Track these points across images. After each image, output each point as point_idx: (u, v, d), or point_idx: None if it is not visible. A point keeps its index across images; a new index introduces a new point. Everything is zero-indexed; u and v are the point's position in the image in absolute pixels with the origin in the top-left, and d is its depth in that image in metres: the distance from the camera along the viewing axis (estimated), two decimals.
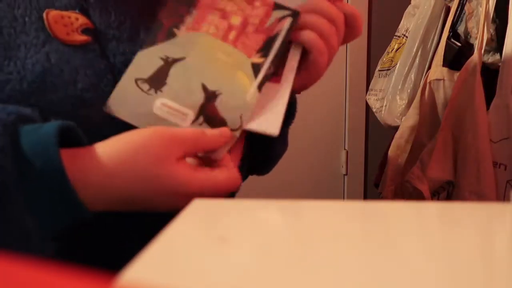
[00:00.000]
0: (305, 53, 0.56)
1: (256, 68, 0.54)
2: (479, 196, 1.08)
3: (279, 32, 0.54)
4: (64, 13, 0.52)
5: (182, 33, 0.55)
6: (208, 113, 0.52)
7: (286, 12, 0.55)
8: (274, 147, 0.71)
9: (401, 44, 1.48)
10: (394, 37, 1.53)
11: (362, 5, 2.07)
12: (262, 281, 0.25)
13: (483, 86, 1.12)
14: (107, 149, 0.45)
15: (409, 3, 1.50)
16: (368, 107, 1.81)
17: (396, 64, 1.47)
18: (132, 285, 0.23)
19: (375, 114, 1.52)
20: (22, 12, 0.51)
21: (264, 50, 0.54)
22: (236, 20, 0.55)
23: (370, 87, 1.58)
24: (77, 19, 0.53)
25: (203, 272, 0.26)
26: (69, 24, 0.52)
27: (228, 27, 0.55)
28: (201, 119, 0.52)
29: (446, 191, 1.17)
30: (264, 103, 0.54)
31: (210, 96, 0.53)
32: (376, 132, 2.10)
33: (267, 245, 0.31)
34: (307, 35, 0.54)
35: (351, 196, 2.15)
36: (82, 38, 0.52)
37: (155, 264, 0.27)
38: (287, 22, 0.54)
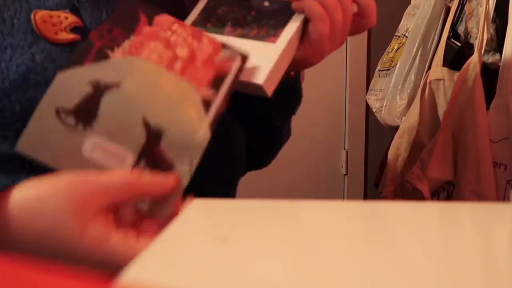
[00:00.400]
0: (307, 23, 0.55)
1: (206, 104, 0.46)
2: (479, 196, 1.08)
3: (229, 71, 0.49)
4: (53, 12, 0.52)
5: (117, 55, 0.47)
6: (152, 156, 0.44)
7: (235, 53, 0.50)
8: (279, 132, 0.70)
9: (401, 44, 1.48)
10: (394, 37, 1.53)
11: None
12: (262, 281, 0.25)
13: (483, 86, 1.12)
14: (23, 194, 0.41)
15: (409, 3, 1.50)
16: (368, 107, 1.81)
17: (396, 64, 1.47)
18: (132, 285, 0.23)
19: (375, 114, 1.52)
20: (11, 14, 0.51)
21: (215, 85, 0.48)
22: (182, 52, 0.49)
23: (370, 87, 1.58)
24: (67, 18, 0.53)
25: (203, 272, 0.26)
26: (58, 23, 0.52)
27: (173, 57, 0.48)
28: (143, 162, 0.44)
29: (446, 191, 1.17)
30: (254, 58, 0.51)
31: (154, 134, 0.44)
32: (376, 132, 2.10)
33: (267, 245, 0.31)
34: (308, 3, 0.53)
35: (351, 196, 2.15)
36: (70, 36, 0.52)
37: (155, 264, 0.27)
38: (236, 61, 0.49)
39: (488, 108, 1.12)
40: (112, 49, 0.47)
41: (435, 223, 0.38)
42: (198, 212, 0.39)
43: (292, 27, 0.54)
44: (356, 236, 0.34)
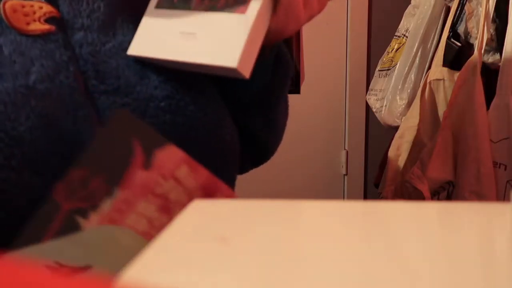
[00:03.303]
0: None
1: None
2: (479, 196, 1.08)
3: None
4: (26, 2, 0.49)
5: (91, 224, 0.33)
6: None
7: None
8: (276, 109, 0.64)
9: (401, 44, 1.48)
10: (394, 37, 1.53)
11: (362, 5, 2.07)
12: (262, 281, 0.25)
13: (483, 86, 1.12)
14: None
15: (409, 3, 1.50)
16: (368, 107, 1.81)
17: (396, 64, 1.47)
18: (132, 285, 0.23)
19: (375, 114, 1.52)
20: None
21: None
22: None
23: (370, 87, 1.58)
24: (41, 7, 0.49)
25: (203, 272, 0.26)
26: (31, 13, 0.49)
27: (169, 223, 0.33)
28: None
29: (446, 191, 1.17)
30: (223, 34, 0.48)
31: None
32: (376, 132, 2.10)
33: (267, 245, 0.31)
34: None
35: (351, 196, 2.15)
36: (44, 27, 0.49)
37: (155, 264, 0.27)
38: None
39: (488, 108, 1.12)
40: (86, 215, 0.33)
41: (435, 223, 0.38)
42: (198, 212, 0.39)
43: None
44: (356, 236, 0.34)
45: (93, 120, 0.47)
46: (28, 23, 0.48)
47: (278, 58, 0.60)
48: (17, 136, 0.44)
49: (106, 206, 0.34)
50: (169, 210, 0.35)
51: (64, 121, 0.46)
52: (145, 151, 0.35)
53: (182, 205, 0.34)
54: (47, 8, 0.49)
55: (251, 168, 0.68)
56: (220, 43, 0.48)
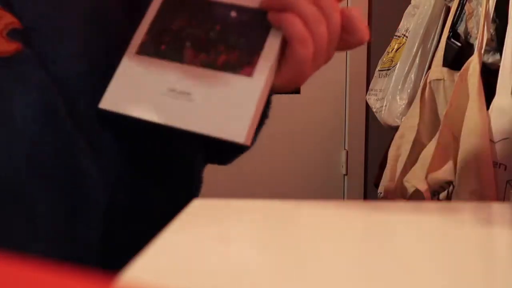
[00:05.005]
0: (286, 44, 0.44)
1: None
2: (479, 196, 1.08)
3: None
4: None
5: None
6: None
7: None
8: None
9: (401, 44, 1.48)
10: (394, 37, 1.53)
11: (362, 5, 2.07)
12: (262, 281, 0.25)
13: (483, 86, 1.12)
14: None
15: (409, 3, 1.50)
16: (368, 107, 1.81)
17: (396, 64, 1.47)
18: (132, 285, 0.23)
19: (375, 114, 1.52)
20: None
21: None
22: None
23: (370, 87, 1.58)
24: (0, 17, 0.40)
25: (203, 272, 0.26)
26: None
27: None
28: None
29: (446, 191, 1.17)
30: (227, 99, 0.42)
31: None
32: (376, 132, 2.10)
33: (267, 245, 0.31)
34: (287, 19, 0.42)
35: (351, 196, 2.15)
36: (11, 47, 0.40)
37: (155, 264, 0.27)
38: None
39: (488, 108, 1.12)
40: None
41: (435, 223, 0.38)
42: (198, 212, 0.39)
43: (270, 52, 0.43)
44: (356, 236, 0.34)
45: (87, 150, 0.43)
46: None
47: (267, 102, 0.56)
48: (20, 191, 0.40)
49: None
50: None
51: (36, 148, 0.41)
52: None
53: None
54: (7, 18, 0.41)
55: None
56: (223, 111, 0.42)
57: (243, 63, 0.43)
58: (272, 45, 0.43)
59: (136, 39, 0.45)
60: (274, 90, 0.46)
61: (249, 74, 0.42)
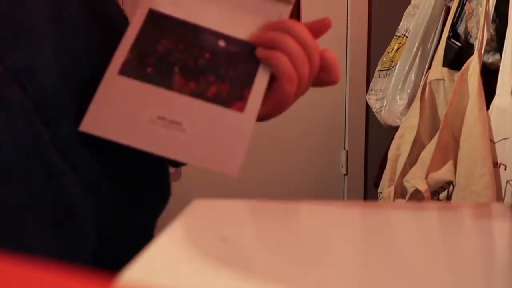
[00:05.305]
0: (273, 79, 0.46)
1: None
2: (479, 196, 1.08)
3: None
4: None
5: None
6: None
7: None
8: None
9: (401, 44, 1.48)
10: (394, 37, 1.53)
11: (362, 5, 2.07)
12: (262, 281, 0.25)
13: (483, 86, 1.12)
14: None
15: (409, 3, 1.50)
16: (368, 107, 1.81)
17: (396, 64, 1.47)
18: (132, 285, 0.23)
19: (375, 114, 1.52)
20: None
21: None
22: None
23: (370, 87, 1.58)
24: None
25: (203, 272, 0.26)
26: None
27: None
28: None
29: (446, 191, 1.17)
30: (219, 133, 0.42)
31: None
32: (376, 132, 2.10)
33: (267, 245, 0.31)
34: (277, 58, 0.44)
35: (351, 196, 2.15)
36: None
37: (155, 264, 0.27)
38: None
39: (488, 108, 1.12)
40: None
41: (435, 223, 0.38)
42: (199, 212, 0.39)
43: (259, 88, 0.44)
44: (356, 236, 0.34)
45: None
46: None
47: None
48: None
49: None
50: None
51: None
52: None
53: None
54: None
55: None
56: (216, 144, 0.42)
57: (234, 98, 0.43)
58: (261, 81, 0.44)
59: (118, 57, 0.43)
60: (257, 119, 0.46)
61: (241, 109, 0.43)
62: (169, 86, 0.42)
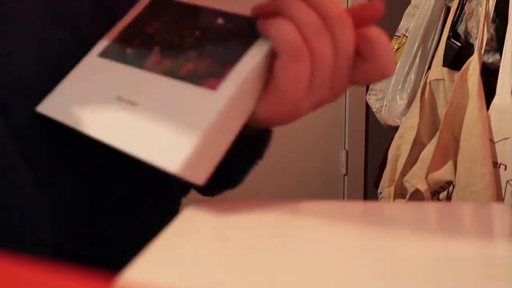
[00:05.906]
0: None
1: None
2: (479, 196, 1.08)
3: None
4: None
5: None
6: None
7: None
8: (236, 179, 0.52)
9: (401, 44, 1.48)
10: (394, 37, 1.53)
11: None
12: (262, 281, 0.25)
13: (483, 86, 1.12)
14: None
15: (409, 3, 1.50)
16: (368, 107, 1.81)
17: (396, 64, 1.47)
18: (132, 285, 0.23)
19: (375, 114, 1.52)
20: None
21: None
22: None
23: (370, 87, 1.58)
24: None
25: (203, 272, 0.26)
26: None
27: None
28: None
29: (446, 191, 1.17)
30: (180, 118, 0.33)
31: None
32: (376, 132, 2.10)
33: (267, 245, 0.31)
34: (278, 26, 0.32)
35: (351, 196, 2.15)
36: None
37: (155, 264, 0.27)
38: None
39: (488, 108, 1.12)
40: None
41: (435, 223, 0.38)
42: (198, 212, 0.39)
43: (248, 65, 0.33)
44: (356, 236, 0.34)
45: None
46: None
47: (260, 139, 0.44)
48: None
49: None
50: None
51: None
52: None
53: None
54: None
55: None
56: (166, 130, 0.32)
57: (211, 74, 0.34)
58: (253, 57, 0.33)
59: (104, 40, 0.39)
60: (255, 123, 0.36)
61: (213, 87, 0.33)
62: (140, 66, 0.36)
